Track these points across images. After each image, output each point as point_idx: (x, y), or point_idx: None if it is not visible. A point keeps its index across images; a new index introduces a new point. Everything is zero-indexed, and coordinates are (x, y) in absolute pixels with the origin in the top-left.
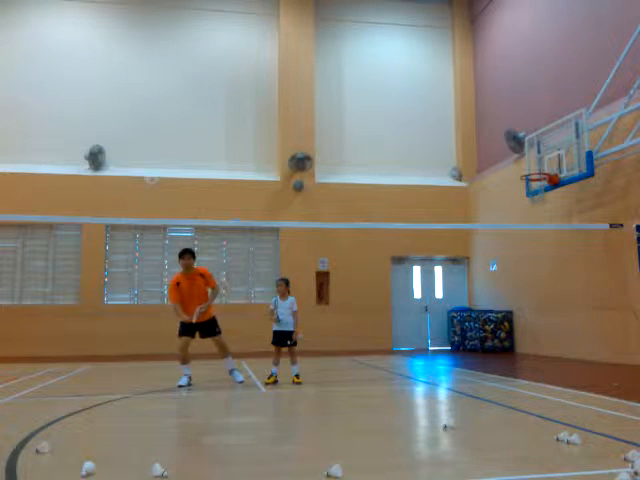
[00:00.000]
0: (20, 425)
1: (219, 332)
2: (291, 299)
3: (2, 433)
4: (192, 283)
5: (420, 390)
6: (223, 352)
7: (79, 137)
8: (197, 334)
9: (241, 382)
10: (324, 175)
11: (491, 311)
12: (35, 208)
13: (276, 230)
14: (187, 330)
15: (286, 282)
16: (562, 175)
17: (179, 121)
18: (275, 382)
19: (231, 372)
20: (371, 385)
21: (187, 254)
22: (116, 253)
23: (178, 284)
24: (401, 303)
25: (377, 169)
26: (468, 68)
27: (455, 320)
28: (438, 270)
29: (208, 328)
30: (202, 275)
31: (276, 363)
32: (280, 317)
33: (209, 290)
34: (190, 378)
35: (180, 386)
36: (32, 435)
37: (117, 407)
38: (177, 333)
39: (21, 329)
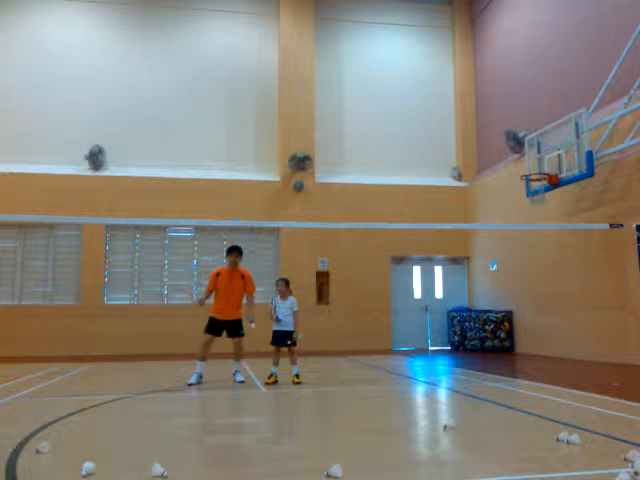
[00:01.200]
0: (20, 425)
1: (243, 334)
2: (291, 299)
3: (2, 433)
4: (232, 279)
5: (420, 390)
6: (238, 354)
7: (79, 137)
8: (223, 333)
9: (241, 382)
10: (324, 175)
11: (491, 311)
12: (35, 208)
13: (276, 230)
14: (215, 328)
15: (286, 282)
16: (562, 175)
17: (179, 121)
18: (275, 382)
19: (235, 373)
20: (371, 385)
21: (235, 252)
22: (116, 253)
23: (218, 275)
24: (401, 303)
25: (377, 169)
26: (468, 68)
27: (455, 320)
28: (438, 270)
29: (235, 328)
30: (243, 277)
31: (276, 363)
32: (280, 317)
33: (245, 295)
34: (201, 377)
35: (190, 384)
36: (32, 435)
37: (117, 407)
38: (204, 329)
39: (21, 329)
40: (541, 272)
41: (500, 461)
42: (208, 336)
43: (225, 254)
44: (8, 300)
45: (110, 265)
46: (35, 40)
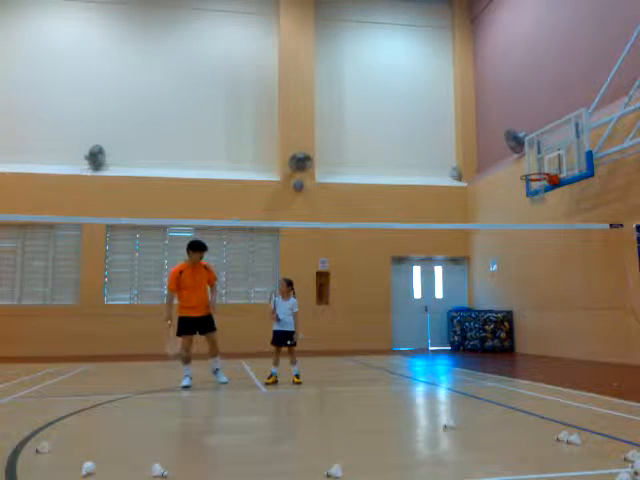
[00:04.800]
0: (20, 425)
1: (216, 328)
2: (293, 300)
3: (2, 433)
4: (195, 274)
5: (420, 390)
6: (214, 350)
7: (79, 137)
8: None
9: (224, 383)
10: (324, 175)
11: (491, 311)
12: (35, 208)
13: (276, 230)
14: (188, 327)
15: (289, 283)
16: (562, 175)
17: (179, 121)
18: (275, 382)
19: (216, 372)
20: (371, 385)
21: (202, 250)
22: (116, 253)
23: (181, 272)
24: (401, 303)
25: (377, 169)
26: (468, 68)
27: (455, 320)
28: (438, 270)
29: (207, 323)
30: (206, 268)
31: (276, 363)
32: (280, 317)
33: (209, 286)
34: (191, 378)
35: (185, 387)
36: (32, 435)
37: (117, 407)
38: (176, 332)
39: (21, 329)
40: (541, 272)
41: (500, 461)
42: (187, 338)
43: (188, 250)
44: (8, 300)
45: (110, 265)
46: (35, 40)
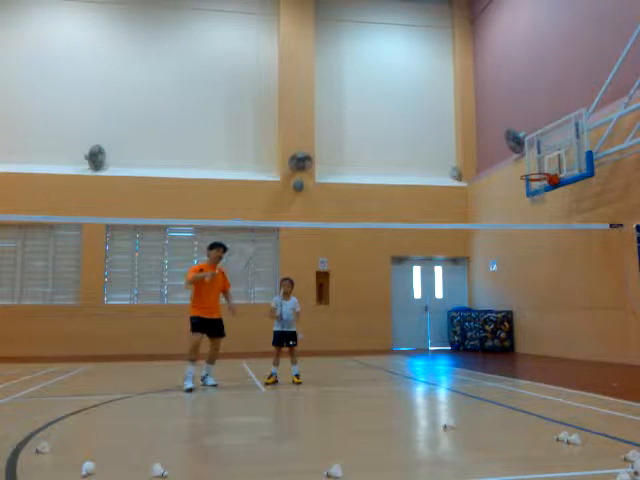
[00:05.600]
0: (20, 425)
1: (224, 335)
2: (294, 300)
3: (2, 433)
4: (215, 276)
5: (420, 390)
6: (215, 357)
7: (79, 137)
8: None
9: (213, 385)
10: (324, 175)
11: (491, 311)
12: (35, 208)
13: (276, 230)
14: (200, 327)
15: (292, 283)
16: (562, 175)
17: (179, 121)
18: (275, 382)
19: (205, 377)
20: (371, 385)
21: (223, 248)
22: (116, 253)
23: (201, 270)
24: (401, 303)
25: (377, 169)
26: (468, 68)
27: (455, 320)
28: (438, 270)
29: (218, 327)
30: (223, 274)
31: (276, 363)
32: (284, 317)
33: (223, 292)
34: (193, 378)
35: (188, 390)
36: (32, 435)
37: (117, 407)
38: (190, 329)
39: (21, 329)
40: (541, 272)
41: (500, 461)
42: (197, 336)
43: (207, 250)
44: (8, 300)
45: (110, 265)
46: (36, 40)
